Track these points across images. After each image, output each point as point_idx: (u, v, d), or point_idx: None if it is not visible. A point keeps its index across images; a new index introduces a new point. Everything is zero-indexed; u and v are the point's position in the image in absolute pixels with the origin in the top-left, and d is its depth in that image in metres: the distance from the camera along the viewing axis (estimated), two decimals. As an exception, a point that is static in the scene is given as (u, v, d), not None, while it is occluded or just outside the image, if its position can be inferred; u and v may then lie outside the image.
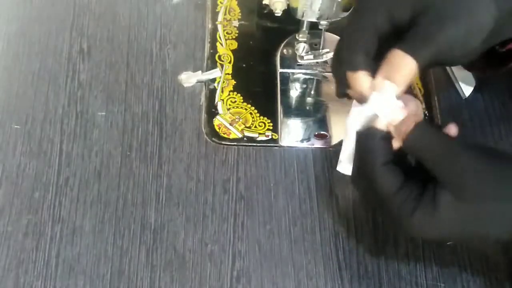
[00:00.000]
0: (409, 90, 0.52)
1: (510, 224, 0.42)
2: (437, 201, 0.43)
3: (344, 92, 0.49)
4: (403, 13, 0.46)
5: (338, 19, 0.59)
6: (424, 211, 0.43)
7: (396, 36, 0.46)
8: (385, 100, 0.45)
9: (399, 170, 0.45)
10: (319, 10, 0.58)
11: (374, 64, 0.46)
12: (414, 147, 0.44)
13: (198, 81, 0.63)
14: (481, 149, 0.44)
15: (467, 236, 0.45)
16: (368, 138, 0.45)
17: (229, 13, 0.68)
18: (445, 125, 0.46)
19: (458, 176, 0.42)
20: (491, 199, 0.42)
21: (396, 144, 0.45)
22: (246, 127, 0.61)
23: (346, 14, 0.58)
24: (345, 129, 0.49)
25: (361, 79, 0.46)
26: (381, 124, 0.45)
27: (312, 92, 0.64)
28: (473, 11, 0.44)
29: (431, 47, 0.44)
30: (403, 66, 0.44)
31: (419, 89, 0.64)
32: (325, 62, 0.65)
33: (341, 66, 0.47)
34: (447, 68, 0.65)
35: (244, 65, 0.65)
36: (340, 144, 0.60)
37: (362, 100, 0.47)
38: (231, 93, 0.63)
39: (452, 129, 0.46)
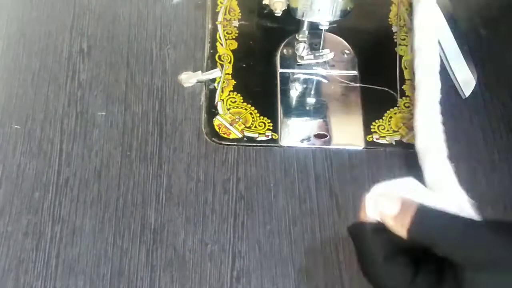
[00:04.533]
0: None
1: None
2: (461, 282, 0.36)
3: None
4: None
5: (338, 19, 0.59)
6: None
7: None
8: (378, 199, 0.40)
9: (406, 261, 0.39)
10: (319, 10, 0.58)
11: None
12: (421, 235, 0.38)
13: (198, 81, 0.63)
14: (489, 222, 0.39)
15: None
16: (360, 234, 0.40)
17: (229, 13, 0.68)
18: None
19: (483, 249, 0.37)
20: None
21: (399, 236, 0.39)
22: (246, 127, 0.61)
23: (346, 14, 0.59)
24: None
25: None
26: (369, 215, 0.40)
27: (312, 92, 0.64)
28: None
29: None
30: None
31: (419, 89, 0.64)
32: (325, 62, 0.65)
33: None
34: (447, 68, 0.65)
35: (244, 65, 0.65)
36: (339, 144, 0.61)
37: None
38: (231, 93, 0.63)
39: None
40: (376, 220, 0.40)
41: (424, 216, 0.38)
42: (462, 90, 0.64)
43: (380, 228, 0.39)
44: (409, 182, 0.41)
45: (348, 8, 0.58)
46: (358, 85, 0.64)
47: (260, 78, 0.64)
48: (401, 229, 0.38)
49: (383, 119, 0.62)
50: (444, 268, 0.38)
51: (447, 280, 0.38)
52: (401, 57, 0.66)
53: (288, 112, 0.62)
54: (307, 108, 0.63)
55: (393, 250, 0.39)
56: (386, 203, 0.39)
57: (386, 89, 0.63)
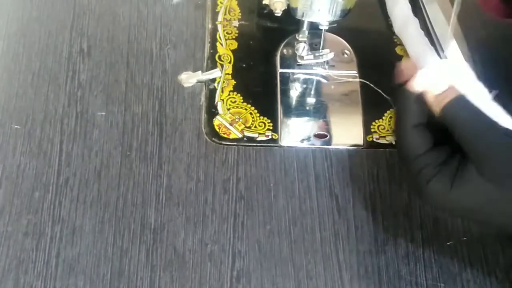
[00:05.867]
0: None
1: None
2: (458, 174, 0.44)
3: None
4: None
5: (338, 19, 0.59)
6: (440, 182, 0.45)
7: None
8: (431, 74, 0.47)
9: (429, 135, 0.47)
10: (319, 10, 0.58)
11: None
12: (450, 116, 0.45)
13: (198, 81, 0.63)
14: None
15: (480, 218, 0.46)
16: (404, 98, 0.48)
17: (229, 13, 0.68)
18: None
19: (485, 150, 0.43)
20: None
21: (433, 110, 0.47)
22: (246, 127, 0.61)
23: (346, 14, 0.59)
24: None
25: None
26: (417, 86, 0.47)
27: (312, 92, 0.64)
28: None
29: None
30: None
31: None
32: (325, 62, 0.65)
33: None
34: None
35: (244, 65, 0.65)
36: (339, 144, 0.61)
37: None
38: (231, 93, 0.63)
39: None
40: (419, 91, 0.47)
41: (460, 103, 0.45)
42: (462, 90, 0.64)
43: (421, 100, 0.47)
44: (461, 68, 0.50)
45: (348, 9, 0.58)
46: (357, 80, 0.64)
47: (260, 78, 0.64)
48: (437, 106, 0.46)
49: (383, 119, 0.62)
50: (453, 154, 0.45)
51: (450, 164, 0.45)
52: (401, 57, 0.66)
53: (288, 112, 0.62)
54: (307, 108, 0.63)
55: (423, 123, 0.47)
56: (435, 82, 0.46)
57: (379, 91, 0.63)
